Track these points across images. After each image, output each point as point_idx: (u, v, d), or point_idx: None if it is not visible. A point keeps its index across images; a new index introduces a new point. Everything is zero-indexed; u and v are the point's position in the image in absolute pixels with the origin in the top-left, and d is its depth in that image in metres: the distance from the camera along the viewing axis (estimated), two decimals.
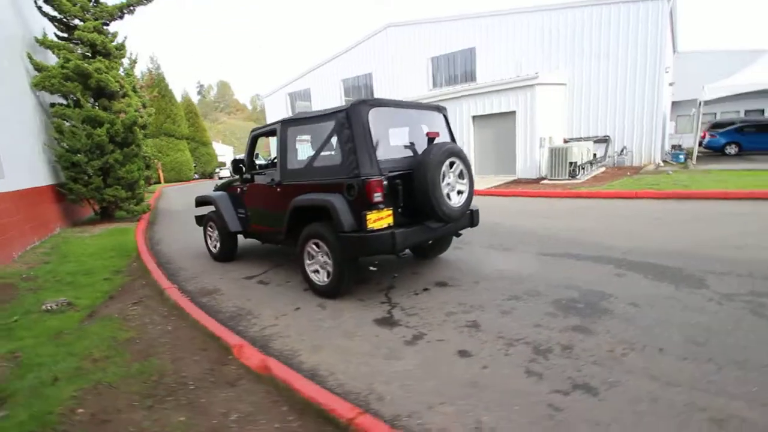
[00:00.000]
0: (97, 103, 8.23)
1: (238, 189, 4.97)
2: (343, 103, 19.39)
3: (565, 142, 14.41)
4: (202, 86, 71.99)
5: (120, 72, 8.76)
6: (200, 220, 5.80)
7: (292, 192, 3.93)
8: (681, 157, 15.11)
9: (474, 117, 14.54)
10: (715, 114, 22.48)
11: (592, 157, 13.51)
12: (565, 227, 5.86)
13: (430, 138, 3.74)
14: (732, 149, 16.06)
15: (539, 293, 3.49)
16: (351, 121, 3.37)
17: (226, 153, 40.14)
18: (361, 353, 2.68)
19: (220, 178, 32.90)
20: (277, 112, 25.10)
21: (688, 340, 2.55)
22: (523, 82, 13.14)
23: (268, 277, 4.58)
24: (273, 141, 4.77)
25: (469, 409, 2.02)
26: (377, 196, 3.27)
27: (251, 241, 6.19)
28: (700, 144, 16.36)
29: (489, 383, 2.23)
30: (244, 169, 4.71)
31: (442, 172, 3.49)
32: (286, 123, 4.06)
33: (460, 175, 3.76)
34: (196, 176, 31.30)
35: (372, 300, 3.64)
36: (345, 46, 21.12)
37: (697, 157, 13.61)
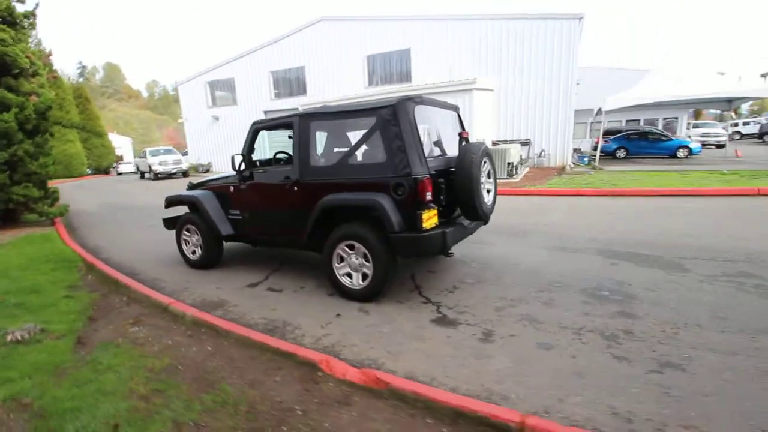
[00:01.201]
0: None
1: (231, 187, 4.46)
2: (272, 96, 18.49)
3: (494, 144, 15.64)
4: (84, 67, 61.72)
5: (31, 46, 7.19)
6: (171, 223, 5.08)
7: (317, 191, 3.67)
8: (585, 159, 17.42)
9: None
10: (602, 123, 26.32)
11: (520, 159, 14.89)
12: (537, 222, 6.40)
13: (462, 137, 3.80)
14: (621, 153, 18.98)
15: (563, 284, 3.79)
16: (399, 117, 3.27)
17: (123, 145, 35.25)
18: (446, 355, 2.64)
19: (119, 173, 28.96)
20: (194, 100, 22.92)
21: (712, 315, 3.01)
22: (463, 86, 13.92)
23: (276, 283, 4.22)
24: (264, 135, 4.34)
25: (595, 398, 2.13)
26: (429, 195, 3.23)
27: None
28: (596, 148, 19.09)
29: (591, 371, 2.38)
30: (242, 165, 4.25)
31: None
32: (307, 117, 3.76)
33: (488, 175, 3.90)
34: (89, 171, 27.09)
35: (410, 301, 3.59)
36: (274, 36, 20.08)
37: (595, 159, 15.82)
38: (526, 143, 16.40)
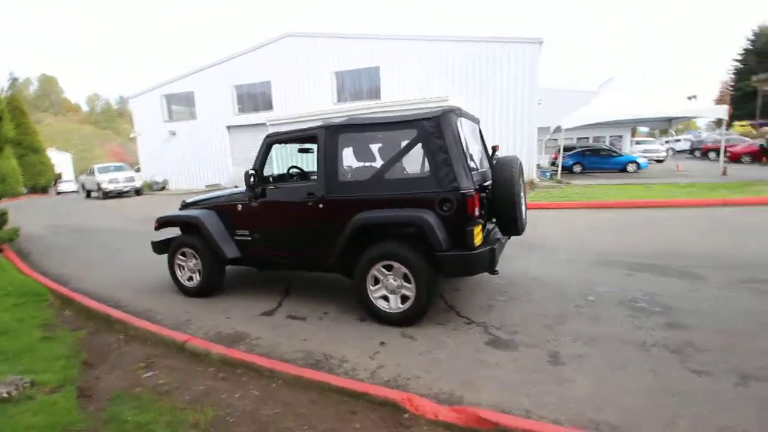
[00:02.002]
0: None
1: (239, 206, 4.05)
2: (236, 111, 17.81)
3: None
4: (16, 79, 56.05)
5: None
6: (162, 246, 4.53)
7: (347, 208, 3.39)
8: (547, 174, 18.27)
9: None
10: (556, 140, 28.01)
11: None
12: (535, 235, 6.41)
13: (495, 151, 3.73)
14: (578, 168, 20.13)
15: (598, 298, 3.75)
16: (443, 129, 3.12)
17: (62, 162, 32.19)
18: (525, 382, 2.45)
19: (59, 193, 26.45)
20: (148, 115, 21.54)
21: (756, 322, 3.07)
22: (434, 104, 14.13)
23: (294, 310, 3.85)
24: (275, 149, 4.01)
25: (702, 418, 2.03)
26: (477, 211, 3.08)
27: None
28: (553, 164, 20.14)
29: (679, 389, 2.29)
30: (254, 181, 3.87)
31: None
32: (335, 129, 3.50)
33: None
34: (25, 191, 24.40)
35: (452, 323, 3.38)
36: (237, 50, 19.49)
37: (556, 174, 16.64)
38: None
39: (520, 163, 3.61)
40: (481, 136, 4.32)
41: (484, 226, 3.51)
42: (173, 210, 4.67)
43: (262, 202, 3.91)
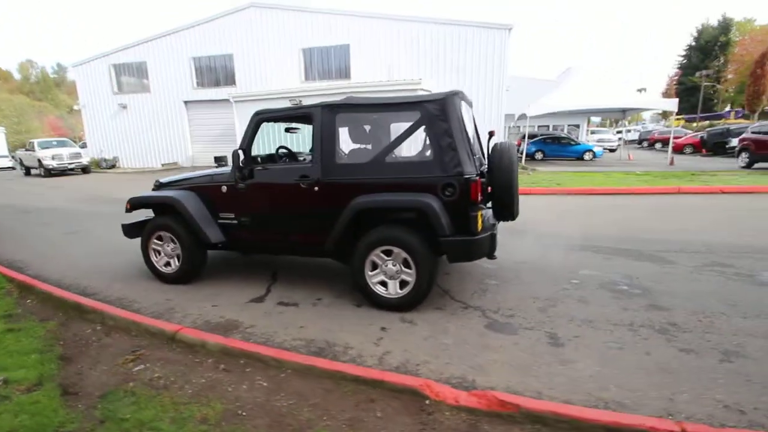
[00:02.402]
0: None
1: (224, 187, 3.81)
2: (194, 85, 16.77)
3: None
4: None
5: None
6: (134, 229, 4.20)
7: (344, 192, 3.29)
8: None
9: None
10: (519, 127, 28.81)
11: None
12: (514, 221, 6.63)
13: (490, 136, 3.73)
14: (539, 155, 20.88)
15: (582, 281, 3.92)
16: (448, 112, 3.06)
17: None
18: (531, 364, 2.52)
19: None
20: (95, 86, 19.77)
21: (726, 303, 3.33)
22: (407, 86, 14.00)
23: (285, 296, 3.72)
24: (263, 127, 3.79)
25: (698, 393, 2.18)
26: (479, 196, 3.09)
27: None
28: (517, 150, 20.74)
29: (672, 366, 2.45)
30: (242, 161, 3.64)
31: None
32: (332, 108, 3.34)
33: None
34: None
35: (449, 307, 3.42)
36: (196, 19, 18.18)
37: (520, 161, 17.19)
38: None
39: (515, 149, 3.65)
40: (474, 121, 4.31)
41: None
42: (146, 191, 4.33)
43: (251, 183, 3.70)
